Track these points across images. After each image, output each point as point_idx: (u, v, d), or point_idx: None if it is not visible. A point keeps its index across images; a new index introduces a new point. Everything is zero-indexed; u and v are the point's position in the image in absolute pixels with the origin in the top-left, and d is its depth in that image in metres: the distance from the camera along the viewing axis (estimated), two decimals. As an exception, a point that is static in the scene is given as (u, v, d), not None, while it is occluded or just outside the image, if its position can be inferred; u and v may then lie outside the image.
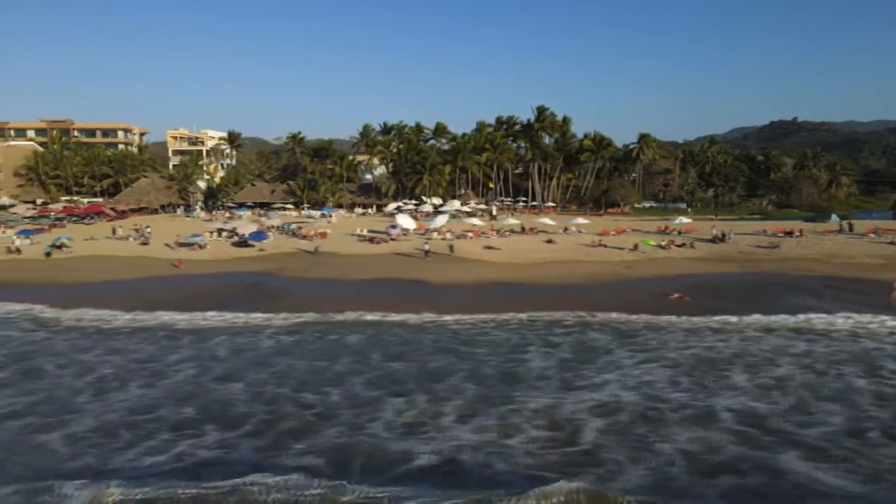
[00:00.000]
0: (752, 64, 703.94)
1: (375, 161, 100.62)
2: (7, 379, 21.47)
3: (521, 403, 18.23)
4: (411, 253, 49.03)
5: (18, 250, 47.52)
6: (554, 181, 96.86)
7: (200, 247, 50.39)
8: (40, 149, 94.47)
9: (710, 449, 15.05)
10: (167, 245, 51.55)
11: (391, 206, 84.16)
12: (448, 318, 29.41)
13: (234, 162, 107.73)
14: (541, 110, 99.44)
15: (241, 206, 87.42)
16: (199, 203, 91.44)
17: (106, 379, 21.56)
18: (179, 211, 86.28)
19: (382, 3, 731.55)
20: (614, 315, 29.35)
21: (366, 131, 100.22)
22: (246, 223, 60.27)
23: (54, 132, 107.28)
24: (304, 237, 56.59)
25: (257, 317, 30.13)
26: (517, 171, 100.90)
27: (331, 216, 75.32)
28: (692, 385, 19.72)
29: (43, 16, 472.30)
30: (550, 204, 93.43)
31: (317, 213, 78.44)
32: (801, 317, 28.20)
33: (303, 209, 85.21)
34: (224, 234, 56.63)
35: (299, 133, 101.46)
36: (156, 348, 25.38)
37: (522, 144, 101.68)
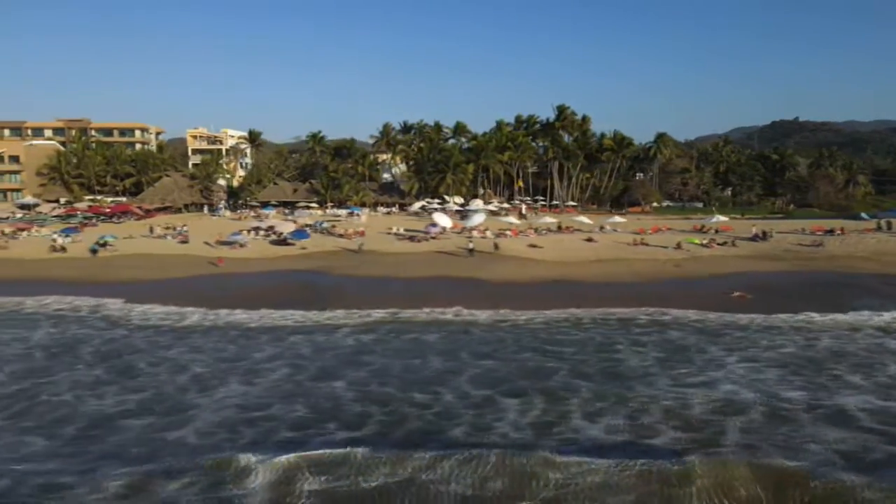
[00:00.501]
0: (752, 64, 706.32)
1: (397, 160, 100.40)
2: (104, 377, 21.17)
3: (644, 403, 17.91)
4: (455, 251, 48.72)
5: (63, 248, 47.23)
6: (573, 180, 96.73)
7: (241, 245, 50.11)
8: (62, 148, 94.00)
9: (863, 448, 14.75)
10: (207, 244, 51.23)
11: (416, 206, 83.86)
12: (520, 316, 29.20)
13: (252, 161, 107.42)
14: (561, 109, 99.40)
15: (264, 205, 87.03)
16: (223, 202, 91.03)
17: (203, 377, 21.27)
18: (205, 210, 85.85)
19: (382, 3, 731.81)
20: (688, 313, 29.12)
21: (386, 130, 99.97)
22: (283, 221, 60.00)
23: (73, 131, 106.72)
24: (342, 235, 56.32)
25: (326, 315, 29.89)
26: (533, 171, 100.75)
27: (359, 215, 74.99)
28: (808, 384, 19.43)
29: (45, 16, 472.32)
30: (572, 203, 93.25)
31: (343, 212, 78.14)
32: (885, 316, 27.89)
33: (326, 208, 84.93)
34: (261, 232, 56.34)
35: (319, 132, 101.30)
36: (237, 347, 25.08)
37: (542, 143, 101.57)
